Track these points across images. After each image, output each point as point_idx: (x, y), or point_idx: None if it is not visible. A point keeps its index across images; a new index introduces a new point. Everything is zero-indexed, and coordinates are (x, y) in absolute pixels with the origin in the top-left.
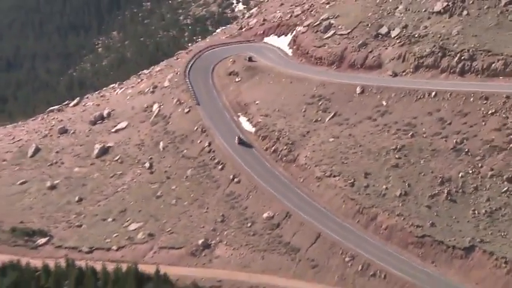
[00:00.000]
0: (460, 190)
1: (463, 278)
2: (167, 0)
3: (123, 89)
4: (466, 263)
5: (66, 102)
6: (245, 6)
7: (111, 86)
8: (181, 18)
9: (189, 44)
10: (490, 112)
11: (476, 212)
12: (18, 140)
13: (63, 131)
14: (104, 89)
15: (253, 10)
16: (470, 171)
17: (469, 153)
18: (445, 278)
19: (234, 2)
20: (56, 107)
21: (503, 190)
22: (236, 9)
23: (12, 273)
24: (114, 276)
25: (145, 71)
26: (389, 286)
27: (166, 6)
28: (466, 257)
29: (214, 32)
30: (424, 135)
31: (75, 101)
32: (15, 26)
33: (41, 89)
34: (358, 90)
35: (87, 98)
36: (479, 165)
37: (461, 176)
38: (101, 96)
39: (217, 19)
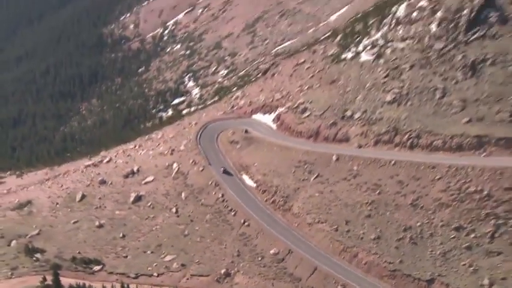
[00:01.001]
0: (419, 235)
1: None
2: (134, 77)
3: (145, 151)
4: None
5: (100, 159)
6: (194, 83)
7: (131, 147)
8: (146, 90)
9: (154, 110)
10: (437, 177)
11: (433, 252)
12: (66, 188)
13: (103, 182)
14: (126, 148)
15: (239, 93)
16: (426, 221)
17: (424, 208)
18: None
19: (186, 80)
20: (91, 162)
21: (451, 236)
22: (187, 86)
23: None
24: None
25: (153, 135)
26: None
27: (133, 82)
28: (428, 287)
29: (172, 101)
30: (388, 193)
31: (107, 159)
32: (17, 93)
33: (41, 142)
34: (334, 158)
35: (116, 155)
36: (432, 217)
37: (419, 225)
38: (127, 155)
39: (173, 92)
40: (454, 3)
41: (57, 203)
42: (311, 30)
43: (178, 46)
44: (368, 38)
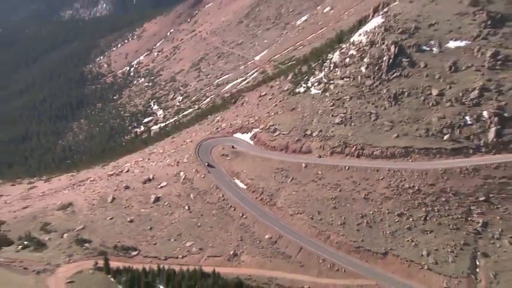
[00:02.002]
0: (373, 221)
1: (384, 269)
2: (111, 103)
3: (155, 162)
4: (384, 261)
5: (120, 170)
6: (158, 106)
7: (140, 159)
8: (122, 112)
9: (130, 127)
10: (380, 178)
11: (384, 232)
12: (98, 192)
13: (127, 187)
14: (137, 160)
15: (219, 117)
16: (376, 210)
17: (373, 200)
18: (374, 270)
19: (151, 104)
20: (113, 172)
21: (396, 220)
22: (153, 108)
23: (125, 273)
24: (187, 273)
25: (155, 150)
26: (346, 276)
27: (111, 106)
28: (384, 258)
29: (143, 120)
30: (346, 190)
31: (126, 169)
32: (23, 117)
33: (46, 152)
34: (303, 165)
35: (131, 167)
36: (380, 207)
37: (372, 213)
38: (141, 166)
39: (143, 113)
40: (376, 52)
41: (93, 204)
42: (242, 67)
43: (143, 79)
44: (314, 77)
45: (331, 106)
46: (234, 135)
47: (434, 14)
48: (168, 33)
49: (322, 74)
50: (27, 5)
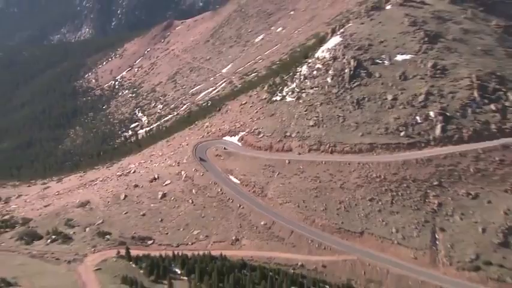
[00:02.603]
0: (349, 206)
1: (361, 246)
2: (101, 112)
3: (157, 164)
4: (361, 239)
5: (128, 171)
6: (142, 114)
7: (142, 161)
8: (111, 119)
9: (120, 132)
10: (352, 170)
11: (360, 215)
12: (111, 191)
13: (136, 186)
14: (141, 162)
15: (207, 123)
16: (351, 197)
17: (348, 189)
18: (353, 246)
19: (136, 112)
20: (122, 172)
21: (368, 205)
22: (138, 115)
23: (144, 259)
24: (198, 257)
25: (154, 153)
26: (332, 253)
27: (101, 115)
28: (361, 236)
29: (130, 125)
30: (325, 181)
31: (132, 170)
32: (26, 126)
33: (49, 156)
34: (287, 161)
35: (136, 168)
36: (354, 194)
37: (347, 199)
38: (146, 167)
39: (130, 120)
40: (338, 66)
41: (108, 201)
42: (211, 78)
43: (127, 91)
44: (287, 87)
45: (305, 111)
46: (224, 138)
47: (382, 33)
48: (146, 52)
49: (294, 85)
50: (22, 31)
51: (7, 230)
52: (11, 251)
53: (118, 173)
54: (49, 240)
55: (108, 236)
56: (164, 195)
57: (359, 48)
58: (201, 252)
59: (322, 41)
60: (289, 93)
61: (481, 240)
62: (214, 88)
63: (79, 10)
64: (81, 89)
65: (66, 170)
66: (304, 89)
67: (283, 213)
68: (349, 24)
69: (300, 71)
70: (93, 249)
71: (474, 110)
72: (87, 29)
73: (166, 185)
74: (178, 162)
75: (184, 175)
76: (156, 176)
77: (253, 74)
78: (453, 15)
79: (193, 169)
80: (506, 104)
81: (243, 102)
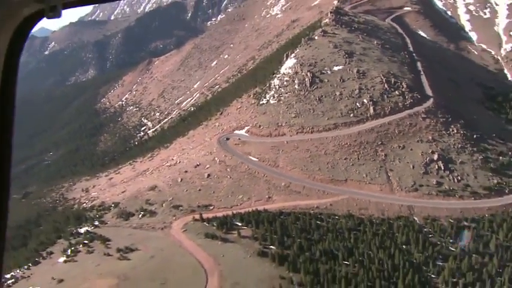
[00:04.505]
0: (335, 164)
1: (348, 188)
2: (117, 122)
3: (194, 154)
4: (347, 184)
5: (174, 162)
6: (147, 120)
7: (179, 154)
8: (126, 126)
9: (135, 134)
10: (329, 142)
11: (341, 169)
12: (169, 177)
13: (186, 171)
14: (177, 155)
15: (216, 123)
16: (333, 158)
17: (329, 154)
18: (343, 189)
19: (143, 120)
20: (170, 163)
21: (344, 162)
22: (145, 122)
23: (213, 219)
24: (250, 212)
25: (184, 148)
26: (332, 196)
27: (119, 124)
28: (346, 182)
29: (141, 128)
30: (314, 152)
31: (178, 161)
32: (70, 139)
33: (92, 156)
34: (285, 142)
35: (178, 159)
36: (335, 156)
37: (331, 160)
38: (186, 158)
39: (140, 125)
40: (300, 77)
41: (170, 184)
42: (188, 92)
43: (131, 107)
44: (268, 94)
45: (286, 108)
46: (235, 132)
47: (319, 54)
48: (138, 80)
49: (273, 92)
50: (49, 78)
51: (106, 211)
52: (117, 226)
53: (167, 164)
54: (140, 215)
55: (181, 208)
56: (209, 175)
57: (310, 64)
58: (249, 209)
59: (281, 62)
60: (271, 97)
61: (413, 173)
62: (191, 98)
63: (84, 60)
64: (101, 110)
65: (109, 165)
66: (281, 94)
67: (293, 176)
68: (297, 50)
69: (274, 82)
70: (174, 217)
71: (388, 96)
72: (92, 71)
73: (207, 168)
74: (211, 152)
75: (218, 160)
76: (198, 163)
77: (216, 86)
78: (353, 39)
79: (223, 155)
80: (403, 89)
81: (238, 107)
